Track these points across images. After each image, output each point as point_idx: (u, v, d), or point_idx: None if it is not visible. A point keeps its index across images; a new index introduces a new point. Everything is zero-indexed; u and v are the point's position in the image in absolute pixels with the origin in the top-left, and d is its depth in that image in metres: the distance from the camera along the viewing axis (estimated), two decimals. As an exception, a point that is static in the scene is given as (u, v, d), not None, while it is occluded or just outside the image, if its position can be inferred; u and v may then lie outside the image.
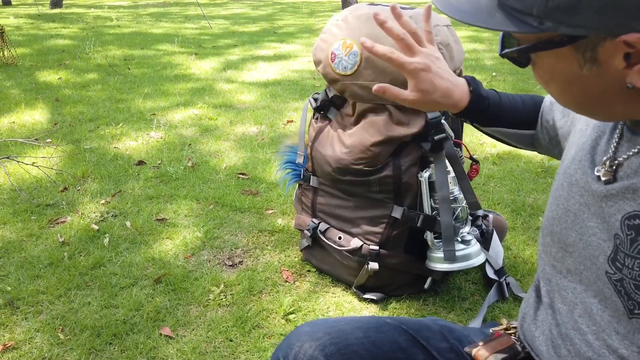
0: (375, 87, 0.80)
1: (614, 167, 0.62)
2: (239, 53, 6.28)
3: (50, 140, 3.13)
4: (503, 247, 1.80)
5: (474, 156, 1.61)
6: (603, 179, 0.63)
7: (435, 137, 1.38)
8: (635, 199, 0.58)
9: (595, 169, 0.65)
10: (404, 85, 1.38)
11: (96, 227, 2.08)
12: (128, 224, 2.13)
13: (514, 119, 0.93)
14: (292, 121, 3.49)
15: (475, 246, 1.49)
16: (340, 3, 13.70)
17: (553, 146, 0.91)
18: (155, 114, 3.67)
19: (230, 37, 7.89)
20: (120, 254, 1.92)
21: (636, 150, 0.60)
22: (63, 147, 2.97)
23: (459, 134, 1.60)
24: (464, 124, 1.67)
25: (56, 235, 2.04)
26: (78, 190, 2.45)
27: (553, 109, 0.90)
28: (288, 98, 4.11)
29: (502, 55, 0.59)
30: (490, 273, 1.66)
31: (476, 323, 1.47)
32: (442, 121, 1.46)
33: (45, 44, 6.82)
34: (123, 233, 2.06)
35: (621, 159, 0.62)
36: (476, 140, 3.02)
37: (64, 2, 14.37)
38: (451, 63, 1.36)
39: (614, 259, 0.61)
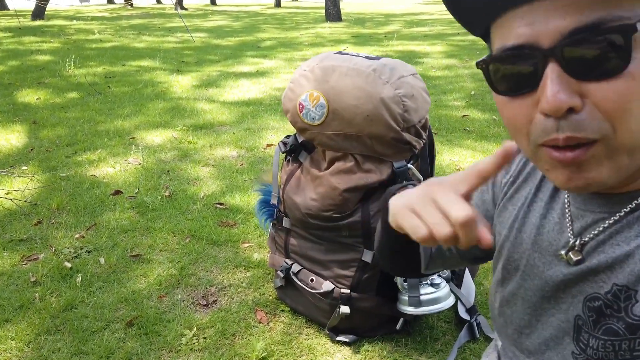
0: None
1: (576, 248, 0.59)
2: (221, 69, 6.29)
3: (26, 167, 3.10)
4: (475, 284, 1.82)
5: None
6: (574, 258, 0.59)
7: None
8: (596, 281, 0.57)
9: (562, 251, 0.61)
10: (368, 138, 1.39)
11: (69, 265, 2.06)
12: (102, 260, 2.11)
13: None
14: (271, 145, 3.50)
15: (444, 289, 1.50)
16: (324, 15, 13.80)
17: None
18: (134, 138, 3.65)
19: (212, 51, 7.89)
20: (93, 294, 1.90)
21: (593, 233, 0.57)
22: (38, 177, 2.94)
23: (428, 175, 1.62)
24: (434, 163, 1.69)
25: (28, 274, 2.01)
26: (52, 223, 2.42)
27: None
28: (269, 119, 4.12)
29: (591, 54, 0.44)
30: (462, 312, 1.67)
31: (446, 366, 1.48)
32: (410, 166, 1.48)
33: (25, 61, 6.76)
34: (96, 271, 2.04)
35: (586, 238, 0.58)
36: (452, 166, 3.06)
37: (45, 13, 14.24)
38: (415, 114, 1.38)
39: (578, 339, 0.60)
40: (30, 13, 13.77)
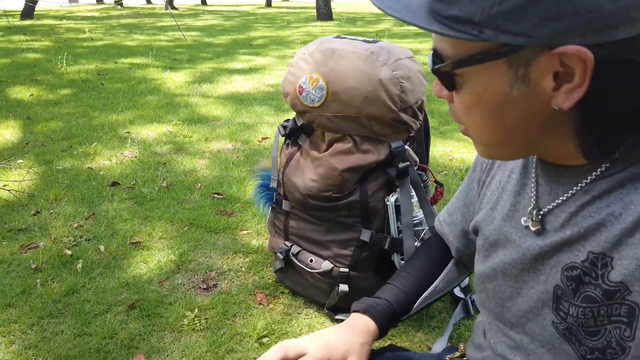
0: None
1: (540, 217, 0.63)
2: (214, 66, 6.31)
3: (22, 161, 3.10)
4: (469, 265, 1.87)
5: (440, 176, 1.68)
6: (533, 229, 0.63)
7: (400, 166, 1.44)
8: (572, 251, 0.59)
9: (522, 219, 0.65)
10: (367, 118, 1.44)
11: (69, 252, 2.08)
12: (102, 248, 2.13)
13: (430, 276, 0.92)
14: (267, 138, 3.53)
15: (440, 267, 1.55)
16: (315, 14, 13.85)
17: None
18: (129, 132, 3.66)
19: (204, 49, 7.90)
20: (94, 280, 1.92)
21: (558, 202, 0.61)
22: (35, 169, 2.95)
23: (424, 158, 1.67)
24: (429, 147, 1.74)
25: (28, 261, 2.03)
26: (50, 213, 2.44)
27: (455, 219, 0.89)
28: (263, 113, 4.15)
29: (434, 71, 0.57)
30: (457, 291, 1.72)
31: (442, 341, 1.51)
32: (407, 147, 1.52)
33: (16, 59, 6.72)
34: (97, 258, 2.06)
35: (545, 209, 0.62)
36: (445, 156, 3.11)
37: (35, 12, 14.13)
38: (412, 95, 1.42)
39: (558, 309, 0.62)
40: (20, 12, 13.66)
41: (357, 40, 1.48)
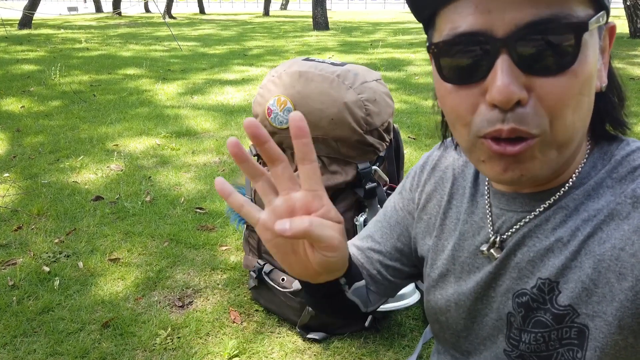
0: None
1: (499, 244, 0.62)
2: (207, 77, 6.34)
3: (7, 174, 3.12)
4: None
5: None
6: (496, 255, 0.61)
7: (367, 186, 1.46)
8: (522, 277, 0.59)
9: (483, 247, 0.63)
10: (333, 140, 1.45)
11: (47, 269, 2.09)
12: (80, 264, 2.14)
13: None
14: (253, 151, 3.54)
15: (410, 286, 1.56)
16: (312, 24, 13.93)
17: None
18: (117, 145, 3.68)
19: (199, 59, 7.94)
20: (70, 297, 1.92)
21: (516, 228, 0.60)
22: (20, 184, 2.96)
23: (394, 177, 1.68)
24: (401, 166, 1.75)
25: (6, 278, 2.03)
26: (32, 229, 2.44)
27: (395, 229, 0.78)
28: (252, 126, 4.16)
29: (543, 46, 0.46)
30: (429, 309, 1.72)
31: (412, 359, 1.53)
32: (376, 168, 1.54)
33: (10, 69, 6.75)
34: (74, 274, 2.07)
35: (504, 236, 0.61)
36: (430, 170, 3.12)
37: (33, 21, 14.21)
38: (378, 118, 1.44)
39: (509, 337, 0.62)
40: (18, 22, 13.73)
41: (325, 63, 1.50)
